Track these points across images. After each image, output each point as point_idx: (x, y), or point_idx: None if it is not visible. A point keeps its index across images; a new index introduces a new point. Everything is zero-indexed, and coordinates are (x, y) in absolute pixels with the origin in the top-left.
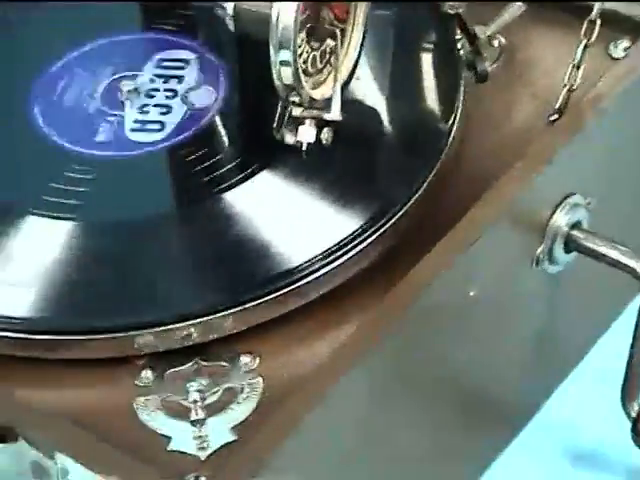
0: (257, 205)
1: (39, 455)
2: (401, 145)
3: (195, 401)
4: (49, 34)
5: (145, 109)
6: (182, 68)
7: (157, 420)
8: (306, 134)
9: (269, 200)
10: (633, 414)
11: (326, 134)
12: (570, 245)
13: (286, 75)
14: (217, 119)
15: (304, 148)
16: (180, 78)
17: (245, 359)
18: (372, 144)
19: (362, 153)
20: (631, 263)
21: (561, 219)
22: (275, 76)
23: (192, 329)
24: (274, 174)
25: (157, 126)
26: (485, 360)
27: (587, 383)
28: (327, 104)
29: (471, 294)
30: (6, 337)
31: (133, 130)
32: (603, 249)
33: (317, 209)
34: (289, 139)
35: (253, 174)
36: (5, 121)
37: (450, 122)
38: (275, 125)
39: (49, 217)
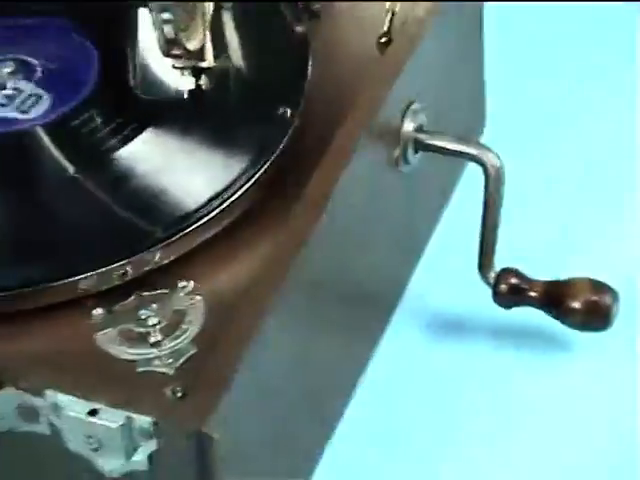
0: (155, 157)
1: (28, 397)
2: (266, 92)
3: (153, 325)
4: None
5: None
6: None
7: (120, 349)
8: (187, 83)
9: (165, 151)
10: (491, 280)
11: (204, 80)
12: (418, 145)
13: (169, 32)
14: (94, 91)
15: (185, 96)
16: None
17: (182, 283)
18: (240, 93)
19: (234, 102)
20: (470, 150)
21: (408, 125)
22: (159, 34)
23: (127, 267)
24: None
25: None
26: (365, 258)
27: (439, 260)
28: (200, 54)
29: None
30: None
31: None
32: (445, 144)
33: (207, 151)
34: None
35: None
36: None
37: (303, 65)
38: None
39: None
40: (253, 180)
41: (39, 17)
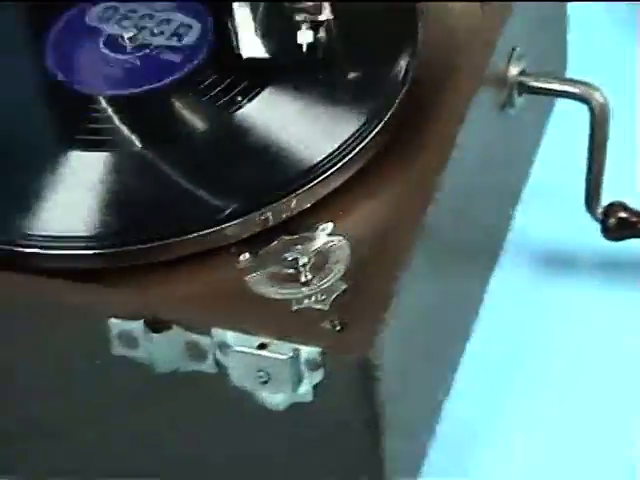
0: (282, 111)
1: (194, 336)
2: (385, 44)
3: (303, 264)
4: None
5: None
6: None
7: (272, 290)
8: (306, 36)
9: (292, 104)
10: (599, 216)
11: (322, 33)
12: (522, 88)
13: None
14: (216, 49)
15: (304, 49)
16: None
17: (322, 226)
18: (357, 44)
19: (352, 53)
20: (576, 89)
21: (513, 69)
22: None
23: (267, 214)
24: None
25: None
26: (479, 197)
27: (539, 199)
28: (317, 8)
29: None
30: (127, 250)
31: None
32: (552, 85)
33: (332, 102)
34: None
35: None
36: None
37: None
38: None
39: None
40: (378, 129)
41: None
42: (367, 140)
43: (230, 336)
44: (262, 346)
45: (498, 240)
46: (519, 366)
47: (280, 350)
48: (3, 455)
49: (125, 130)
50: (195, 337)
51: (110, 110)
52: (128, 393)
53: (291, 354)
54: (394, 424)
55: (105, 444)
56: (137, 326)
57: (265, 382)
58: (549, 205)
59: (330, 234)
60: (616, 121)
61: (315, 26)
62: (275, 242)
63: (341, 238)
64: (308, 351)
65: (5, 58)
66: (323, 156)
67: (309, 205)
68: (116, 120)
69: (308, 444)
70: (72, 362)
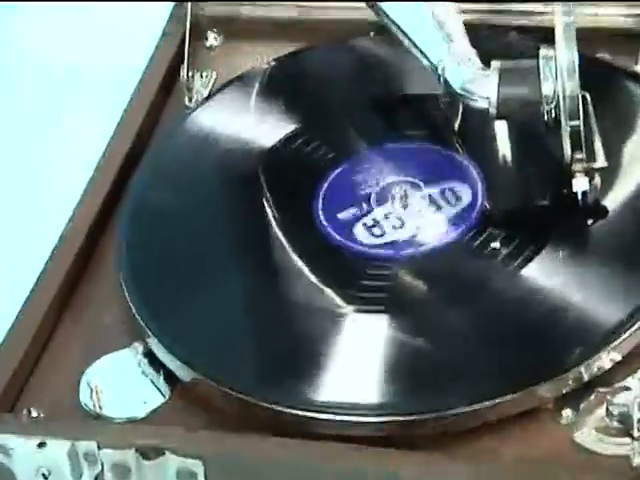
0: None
1: None
2: None
3: (639, 420)
4: None
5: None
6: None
7: (604, 446)
8: (581, 184)
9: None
10: None
11: (596, 180)
12: None
13: (575, 139)
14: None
15: (580, 197)
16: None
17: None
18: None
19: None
20: None
21: None
22: (568, 143)
23: (581, 372)
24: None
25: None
26: None
27: None
28: (591, 155)
29: None
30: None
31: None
32: None
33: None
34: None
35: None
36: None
37: None
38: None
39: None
40: None
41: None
42: None
43: None
44: None
45: None
46: None
47: None
48: None
49: (411, 291)
50: None
51: (392, 271)
52: None
53: None
54: None
55: None
56: None
57: None
58: None
59: None
60: None
61: (591, 173)
62: (593, 396)
63: None
64: None
65: (278, 212)
66: (629, 311)
67: (620, 359)
68: (400, 281)
69: None
70: None
